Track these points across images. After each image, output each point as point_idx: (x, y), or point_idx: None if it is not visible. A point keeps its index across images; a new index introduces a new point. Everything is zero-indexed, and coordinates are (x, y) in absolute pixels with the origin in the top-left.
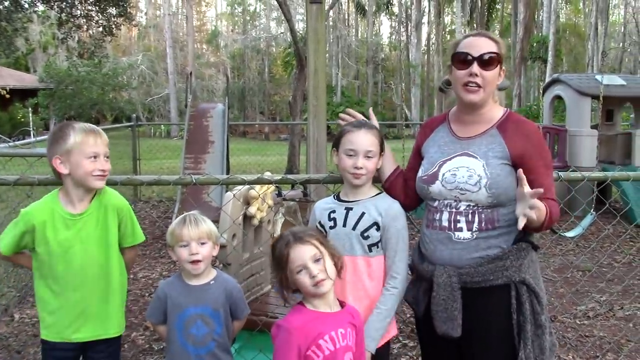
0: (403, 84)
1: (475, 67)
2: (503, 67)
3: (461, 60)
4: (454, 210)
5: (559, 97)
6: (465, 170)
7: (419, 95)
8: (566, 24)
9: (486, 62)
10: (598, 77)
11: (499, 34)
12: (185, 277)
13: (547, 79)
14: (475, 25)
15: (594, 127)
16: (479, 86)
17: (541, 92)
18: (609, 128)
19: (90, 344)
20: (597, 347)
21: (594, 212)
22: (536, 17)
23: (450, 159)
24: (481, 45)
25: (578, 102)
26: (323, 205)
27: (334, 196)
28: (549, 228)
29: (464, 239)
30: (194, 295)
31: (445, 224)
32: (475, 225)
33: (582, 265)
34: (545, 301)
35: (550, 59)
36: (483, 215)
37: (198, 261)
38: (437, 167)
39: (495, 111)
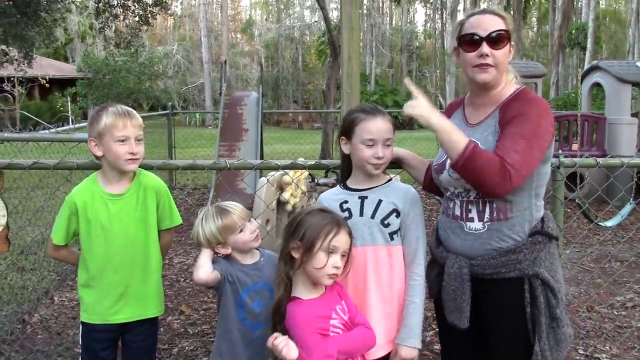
0: (438, 72)
1: (485, 47)
2: (512, 43)
3: (469, 41)
4: (465, 199)
5: (597, 85)
6: None
7: (453, 84)
8: (606, 11)
9: (495, 41)
10: (639, 63)
11: (536, 21)
12: (237, 258)
13: (586, 66)
14: (512, 12)
15: (634, 115)
16: (490, 65)
17: (579, 79)
18: None
19: (129, 327)
20: (635, 338)
21: (633, 201)
22: (575, 3)
23: None
24: (488, 24)
25: (618, 89)
26: (331, 197)
27: (340, 186)
28: (469, 168)
29: (475, 230)
30: (251, 272)
31: (457, 212)
32: (487, 215)
33: (620, 255)
34: (563, 293)
35: (589, 46)
36: (495, 205)
37: (258, 235)
38: (445, 156)
39: (507, 90)
